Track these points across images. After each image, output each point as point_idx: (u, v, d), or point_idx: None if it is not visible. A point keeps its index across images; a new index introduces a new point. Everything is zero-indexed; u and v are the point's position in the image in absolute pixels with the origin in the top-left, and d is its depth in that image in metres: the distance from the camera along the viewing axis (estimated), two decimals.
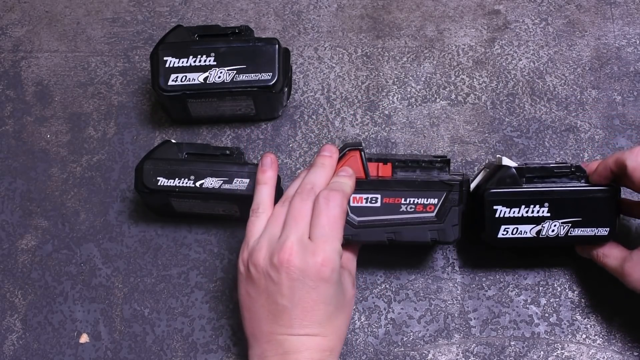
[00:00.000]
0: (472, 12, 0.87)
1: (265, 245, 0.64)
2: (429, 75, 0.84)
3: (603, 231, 0.69)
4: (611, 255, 0.69)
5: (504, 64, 0.84)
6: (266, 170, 0.69)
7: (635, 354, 0.73)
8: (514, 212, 0.69)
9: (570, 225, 0.69)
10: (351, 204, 0.68)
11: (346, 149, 0.69)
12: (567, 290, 0.75)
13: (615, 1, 0.86)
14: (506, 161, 0.71)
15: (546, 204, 0.69)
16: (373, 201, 0.68)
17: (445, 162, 0.71)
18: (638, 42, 0.84)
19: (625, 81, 0.83)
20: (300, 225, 0.64)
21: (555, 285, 0.76)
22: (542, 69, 0.84)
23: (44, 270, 0.78)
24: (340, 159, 0.69)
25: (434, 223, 0.68)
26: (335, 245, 0.64)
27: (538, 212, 0.69)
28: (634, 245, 0.69)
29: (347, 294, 0.66)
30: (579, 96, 0.82)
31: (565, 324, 0.74)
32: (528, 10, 0.86)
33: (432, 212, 0.68)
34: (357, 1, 0.87)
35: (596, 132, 0.81)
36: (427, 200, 0.68)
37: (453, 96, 0.83)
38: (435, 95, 0.83)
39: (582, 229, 0.69)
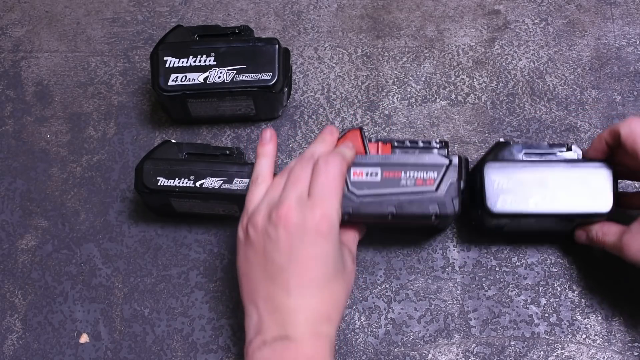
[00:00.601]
0: (472, 12, 0.87)
1: (264, 208, 0.64)
2: (429, 75, 0.84)
3: (601, 206, 0.69)
4: (609, 232, 0.69)
5: (504, 64, 0.84)
6: (265, 144, 0.69)
7: (635, 354, 0.73)
8: (511, 182, 0.69)
9: (567, 200, 0.69)
10: (351, 178, 0.69)
11: (347, 130, 0.71)
12: (567, 290, 0.75)
13: (615, 1, 0.86)
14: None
15: (544, 177, 0.70)
16: (373, 175, 0.69)
17: (444, 143, 0.72)
18: (638, 42, 0.84)
19: (625, 81, 0.83)
20: (299, 187, 0.64)
21: (555, 285, 0.76)
22: (542, 69, 0.84)
23: (44, 270, 0.78)
24: (340, 138, 0.70)
25: (434, 196, 0.69)
26: (334, 202, 0.64)
27: (534, 185, 0.70)
28: None
29: (346, 265, 0.66)
30: (579, 96, 0.82)
31: (565, 324, 0.74)
32: (528, 10, 0.86)
33: (432, 185, 0.69)
34: (357, 1, 0.87)
35: (596, 132, 0.81)
36: (426, 174, 0.69)
37: (453, 96, 0.83)
38: (435, 95, 0.83)
39: (581, 204, 0.69)
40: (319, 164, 0.65)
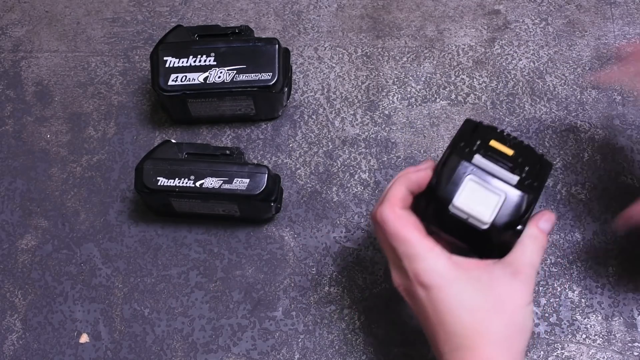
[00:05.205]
0: (472, 12, 0.87)
1: None
2: (429, 75, 0.84)
3: None
4: None
5: (504, 64, 0.84)
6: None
7: (636, 354, 0.73)
8: None
9: None
10: None
11: None
12: (567, 290, 0.75)
13: (615, 1, 0.86)
14: None
15: None
16: None
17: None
18: (638, 42, 0.84)
19: (625, 81, 0.83)
20: None
21: (555, 285, 0.76)
22: (542, 69, 0.84)
23: (44, 270, 0.78)
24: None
25: None
26: None
27: None
28: None
29: None
30: (579, 96, 0.82)
31: (565, 324, 0.74)
32: (528, 10, 0.86)
33: None
34: (357, 1, 0.87)
35: (596, 132, 0.81)
36: None
37: (453, 96, 0.83)
38: (435, 95, 0.83)
39: None
40: None
